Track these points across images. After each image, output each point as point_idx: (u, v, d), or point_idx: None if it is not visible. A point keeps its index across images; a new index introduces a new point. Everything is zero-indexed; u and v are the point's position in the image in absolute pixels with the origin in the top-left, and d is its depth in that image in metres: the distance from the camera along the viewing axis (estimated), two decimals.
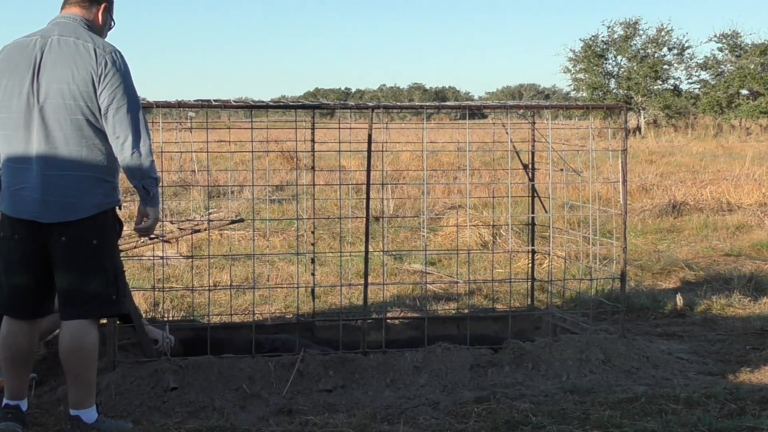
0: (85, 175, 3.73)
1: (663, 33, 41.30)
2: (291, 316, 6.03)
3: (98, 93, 3.69)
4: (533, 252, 6.09)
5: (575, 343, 4.97)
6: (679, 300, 6.72)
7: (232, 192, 11.95)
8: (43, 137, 3.70)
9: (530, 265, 6.09)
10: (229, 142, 5.87)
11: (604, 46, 41.87)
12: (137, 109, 3.77)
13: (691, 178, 15.40)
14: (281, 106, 5.47)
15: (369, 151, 4.93)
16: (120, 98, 3.70)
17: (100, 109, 3.70)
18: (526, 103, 5.85)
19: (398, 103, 5.59)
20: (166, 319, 5.89)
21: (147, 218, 3.92)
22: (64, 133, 3.69)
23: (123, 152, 3.72)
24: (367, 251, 4.96)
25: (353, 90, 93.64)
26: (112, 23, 4.03)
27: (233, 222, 5.48)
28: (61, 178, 3.71)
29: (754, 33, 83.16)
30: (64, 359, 3.82)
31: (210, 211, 9.21)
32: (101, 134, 3.74)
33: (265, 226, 9.16)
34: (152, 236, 4.91)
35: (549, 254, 6.55)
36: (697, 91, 42.02)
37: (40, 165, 3.70)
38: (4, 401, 3.94)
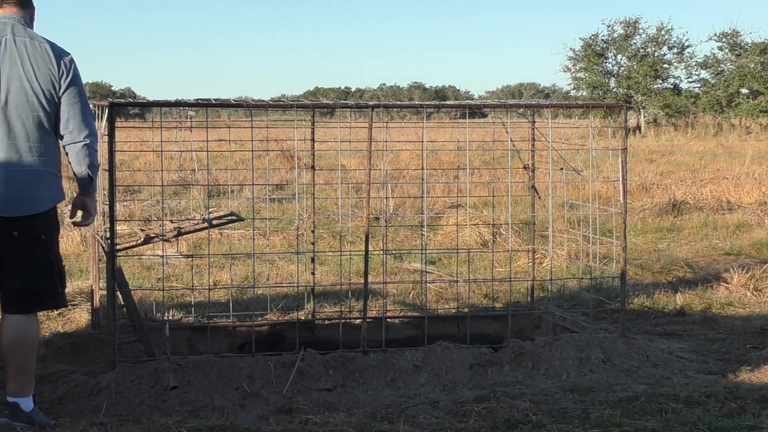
0: (43, 170, 3.92)
1: (663, 32, 41.31)
2: (291, 315, 6.03)
3: (58, 91, 3.91)
4: (533, 251, 6.09)
5: (575, 342, 4.97)
6: (679, 299, 6.72)
7: (232, 191, 11.95)
8: (5, 134, 3.84)
9: (530, 264, 6.09)
10: (229, 141, 5.87)
11: (604, 45, 41.88)
12: (88, 105, 4.07)
13: (691, 177, 15.41)
14: (281, 105, 5.47)
15: (369, 150, 4.93)
16: (77, 95, 3.96)
17: (56, 107, 3.92)
18: (526, 102, 5.85)
19: (398, 102, 5.60)
20: (166, 318, 5.90)
21: (87, 209, 4.10)
22: (26, 130, 3.86)
23: (77, 144, 3.95)
24: (367, 250, 4.96)
25: (353, 89, 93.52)
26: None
27: (232, 222, 5.47)
28: (24, 173, 3.86)
29: (754, 32, 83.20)
30: (7, 351, 3.95)
31: (210, 210, 9.20)
32: (55, 131, 3.96)
33: (265, 225, 9.16)
34: (152, 236, 4.93)
35: (549, 253, 6.55)
36: (697, 90, 42.01)
37: (2, 161, 3.83)
38: None
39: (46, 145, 3.93)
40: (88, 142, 3.97)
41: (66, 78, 3.93)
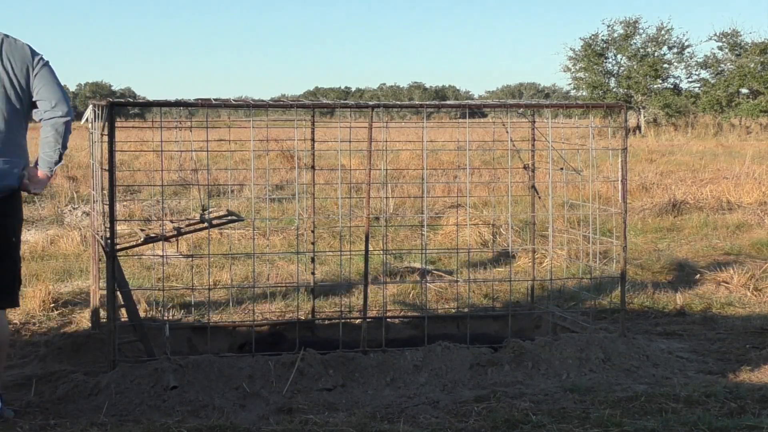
0: (17, 161, 3.97)
1: (663, 32, 41.30)
2: (291, 315, 6.03)
3: (31, 82, 3.99)
4: (533, 251, 6.09)
5: (575, 342, 4.97)
6: (679, 299, 6.72)
7: (232, 191, 11.95)
8: None
9: (530, 264, 6.09)
10: (229, 141, 5.87)
11: (604, 45, 41.87)
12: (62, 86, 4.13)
13: (691, 177, 15.41)
14: (281, 105, 5.46)
15: (369, 150, 4.93)
16: (50, 74, 4.03)
17: (31, 96, 3.99)
18: (526, 101, 5.85)
19: (398, 102, 5.59)
20: (166, 318, 5.90)
21: (37, 181, 4.11)
22: (6, 122, 3.92)
23: (57, 122, 4.00)
24: (367, 250, 4.96)
25: (353, 89, 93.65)
26: None
27: (232, 221, 5.48)
28: (6, 163, 3.91)
29: (754, 32, 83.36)
30: None
31: (210, 210, 9.19)
32: (26, 123, 4.05)
33: (265, 225, 9.16)
34: (152, 235, 4.94)
35: (549, 253, 6.55)
36: (697, 89, 42.00)
37: None
38: None
39: (23, 138, 4.01)
40: (69, 118, 4.05)
41: (38, 66, 4.00)
